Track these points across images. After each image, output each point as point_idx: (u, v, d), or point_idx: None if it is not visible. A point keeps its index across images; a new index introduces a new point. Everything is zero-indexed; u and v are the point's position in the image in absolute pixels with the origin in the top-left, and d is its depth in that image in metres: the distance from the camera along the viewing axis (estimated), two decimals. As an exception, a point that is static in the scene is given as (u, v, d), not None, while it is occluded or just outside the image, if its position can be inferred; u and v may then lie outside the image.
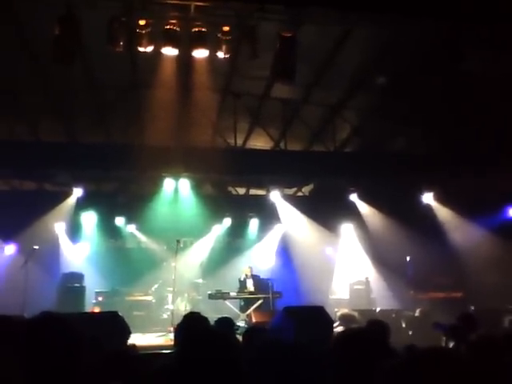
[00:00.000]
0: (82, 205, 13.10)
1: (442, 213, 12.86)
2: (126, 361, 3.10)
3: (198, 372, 2.01)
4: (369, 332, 2.37)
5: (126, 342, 4.77)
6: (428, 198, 12.95)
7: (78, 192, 12.87)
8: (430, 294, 11.57)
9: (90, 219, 13.54)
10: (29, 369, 2.08)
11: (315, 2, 7.73)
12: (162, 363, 2.78)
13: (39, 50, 9.28)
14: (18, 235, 12.01)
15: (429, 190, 12.86)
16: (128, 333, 5.08)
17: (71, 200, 12.92)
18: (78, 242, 13.47)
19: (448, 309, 8.94)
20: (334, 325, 6.55)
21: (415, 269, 11.77)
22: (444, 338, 5.72)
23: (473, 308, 9.23)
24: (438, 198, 12.83)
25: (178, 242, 10.90)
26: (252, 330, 4.33)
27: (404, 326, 9.89)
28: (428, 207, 12.95)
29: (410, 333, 9.19)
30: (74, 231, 13.41)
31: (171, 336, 9.28)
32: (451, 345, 5.19)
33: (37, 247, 10.79)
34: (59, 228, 13.13)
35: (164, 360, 3.50)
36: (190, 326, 3.46)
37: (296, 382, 2.41)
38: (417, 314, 9.38)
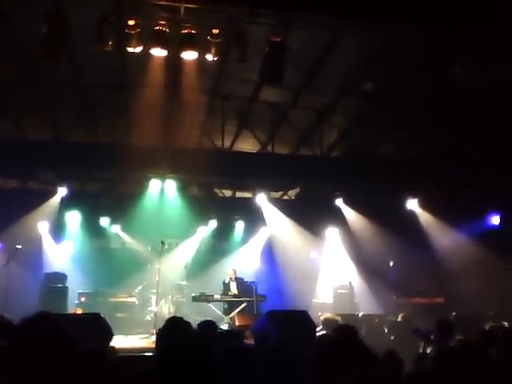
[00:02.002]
0: (66, 204, 12.95)
1: (426, 219, 12.98)
2: (101, 363, 3.09)
3: (177, 379, 2.01)
4: (343, 339, 2.39)
5: (108, 344, 4.74)
6: (412, 204, 13.06)
7: (62, 191, 12.71)
8: (412, 299, 11.66)
9: (74, 219, 13.42)
10: (18, 370, 2.06)
11: (304, 8, 7.78)
12: (142, 369, 2.77)
13: (26, 47, 9.20)
14: (1, 234, 11.86)
15: (413, 196, 12.97)
16: (110, 335, 5.04)
17: (55, 199, 12.76)
18: (61, 242, 13.34)
19: (430, 314, 9.01)
20: (317, 329, 6.58)
21: (398, 274, 11.87)
22: (422, 344, 5.79)
23: (454, 314, 9.31)
24: (422, 205, 12.95)
25: (162, 243, 10.86)
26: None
27: (386, 331, 9.95)
28: (412, 213, 13.06)
29: (392, 337, 9.24)
30: (58, 230, 13.27)
31: (153, 338, 9.23)
32: (429, 350, 5.25)
33: (20, 246, 10.67)
34: (43, 227, 12.98)
35: (144, 365, 3.49)
36: (172, 332, 3.45)
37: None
38: (399, 319, 9.43)
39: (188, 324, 3.85)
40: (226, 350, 2.71)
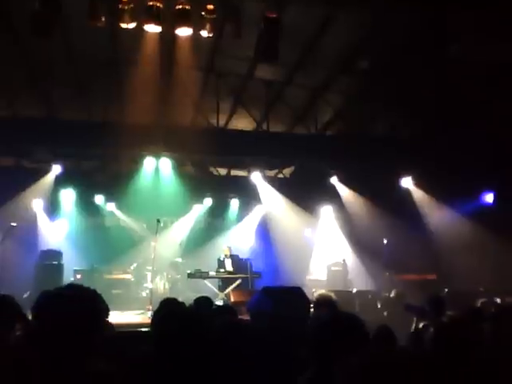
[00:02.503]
0: (60, 182, 12.92)
1: (420, 197, 13.06)
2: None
3: (176, 357, 2.04)
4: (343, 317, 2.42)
5: (104, 320, 4.78)
6: (406, 181, 13.11)
7: (56, 169, 12.66)
8: (405, 275, 11.80)
9: (68, 196, 13.41)
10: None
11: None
12: (142, 350, 2.81)
13: (17, 23, 9.05)
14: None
15: (407, 174, 13.02)
16: (107, 311, 5.08)
17: (50, 177, 12.71)
18: (56, 220, 13.34)
19: (422, 290, 9.14)
20: (311, 305, 6.65)
21: (391, 251, 11.99)
22: (415, 319, 5.90)
23: (446, 290, 9.46)
24: (417, 183, 13.01)
25: (158, 221, 10.86)
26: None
27: (379, 306, 10.11)
28: (406, 191, 13.12)
29: (385, 313, 9.39)
30: (53, 208, 13.27)
31: (149, 314, 9.33)
32: (421, 325, 5.35)
33: (15, 224, 10.66)
34: (37, 205, 12.97)
35: (142, 340, 3.53)
36: (168, 314, 3.48)
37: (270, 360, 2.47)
38: (392, 295, 9.58)
39: (182, 304, 3.87)
40: (223, 325, 2.75)
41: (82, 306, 2.15)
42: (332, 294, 4.47)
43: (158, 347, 2.28)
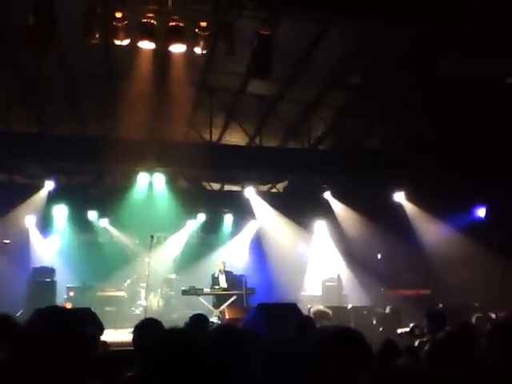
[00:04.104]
0: (53, 198, 12.85)
1: (413, 211, 13.10)
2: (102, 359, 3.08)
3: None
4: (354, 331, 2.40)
5: (99, 338, 4.75)
6: (399, 196, 13.16)
7: (49, 185, 12.60)
8: (399, 291, 11.80)
9: (61, 213, 13.32)
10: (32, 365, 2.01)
11: (293, 1, 7.77)
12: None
13: (11, 38, 9.06)
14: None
15: (400, 188, 13.07)
16: (101, 329, 5.05)
17: (42, 193, 12.65)
18: (48, 236, 13.24)
19: (417, 306, 9.14)
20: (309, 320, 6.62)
21: (386, 266, 11.99)
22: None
23: (441, 305, 9.45)
24: (409, 197, 13.06)
25: (152, 237, 10.82)
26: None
27: (375, 322, 10.07)
28: (399, 206, 13.17)
29: (381, 329, 9.36)
30: (45, 225, 13.18)
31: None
32: (417, 343, 5.32)
33: (8, 241, 10.58)
34: (30, 221, 12.88)
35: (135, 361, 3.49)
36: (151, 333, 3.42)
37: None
38: (387, 310, 9.57)
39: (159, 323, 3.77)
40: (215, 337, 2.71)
41: (74, 327, 2.10)
42: (329, 311, 4.46)
43: (144, 367, 2.25)
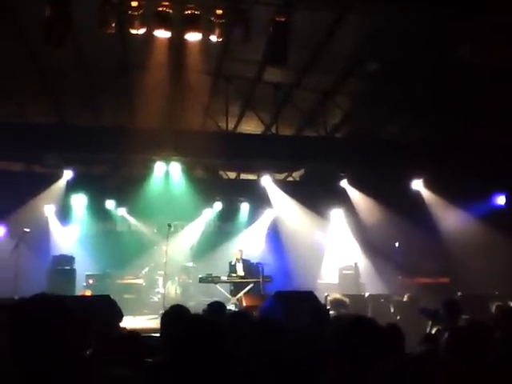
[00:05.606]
0: (72, 187, 12.99)
1: (431, 199, 12.97)
2: (129, 346, 3.12)
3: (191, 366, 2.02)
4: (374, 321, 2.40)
5: (119, 325, 4.83)
6: (417, 184, 13.03)
7: (68, 174, 12.75)
8: (417, 279, 11.70)
9: (80, 202, 13.48)
10: (19, 352, 2.04)
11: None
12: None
13: (28, 31, 9.13)
14: (7, 218, 11.95)
15: (419, 176, 12.94)
16: (120, 316, 5.13)
17: (61, 182, 12.79)
18: (67, 225, 13.42)
19: (435, 294, 9.06)
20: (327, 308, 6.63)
21: (404, 254, 11.90)
22: (429, 323, 5.84)
23: (459, 294, 9.36)
24: (428, 185, 12.92)
25: (169, 225, 10.90)
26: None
27: (392, 310, 10.02)
28: (417, 193, 13.04)
29: (398, 317, 9.31)
30: (64, 214, 13.34)
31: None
32: (434, 330, 5.30)
33: (28, 230, 10.74)
34: (49, 210, 13.05)
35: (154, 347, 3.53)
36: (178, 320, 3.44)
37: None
38: (405, 299, 9.51)
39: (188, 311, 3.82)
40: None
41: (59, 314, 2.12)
42: (347, 299, 4.45)
43: (169, 352, 2.26)
